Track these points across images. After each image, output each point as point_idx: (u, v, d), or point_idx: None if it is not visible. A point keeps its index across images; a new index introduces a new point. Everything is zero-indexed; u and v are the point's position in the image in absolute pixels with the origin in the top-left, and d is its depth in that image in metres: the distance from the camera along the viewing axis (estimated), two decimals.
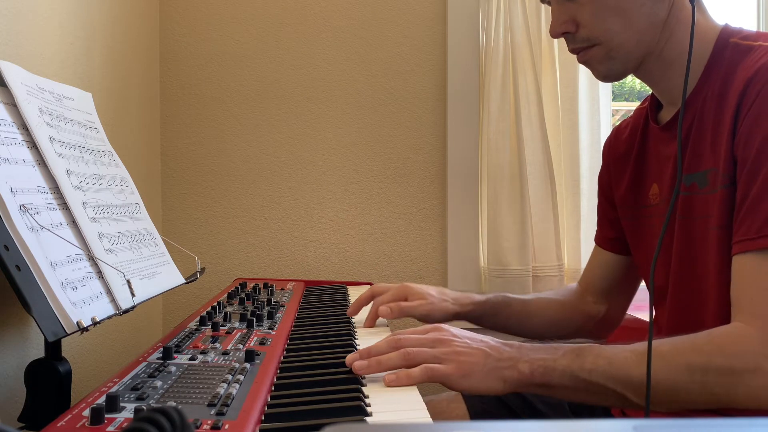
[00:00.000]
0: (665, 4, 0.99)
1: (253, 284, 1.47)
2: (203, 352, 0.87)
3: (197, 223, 1.82)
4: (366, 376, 0.84)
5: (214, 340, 0.94)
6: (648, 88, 1.10)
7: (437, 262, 1.86)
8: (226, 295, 1.33)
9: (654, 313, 0.95)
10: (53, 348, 0.83)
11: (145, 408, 0.65)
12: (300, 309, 1.28)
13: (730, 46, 0.98)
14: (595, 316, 1.27)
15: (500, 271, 1.85)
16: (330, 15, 1.84)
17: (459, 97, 1.84)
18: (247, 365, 0.81)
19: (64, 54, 1.19)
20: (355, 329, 1.12)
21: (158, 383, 0.74)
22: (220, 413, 0.65)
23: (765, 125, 0.87)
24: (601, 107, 1.91)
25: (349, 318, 1.19)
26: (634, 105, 1.22)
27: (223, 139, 1.82)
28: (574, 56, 1.06)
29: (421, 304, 1.16)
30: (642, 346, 0.86)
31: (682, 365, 0.83)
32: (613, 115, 1.97)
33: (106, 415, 0.63)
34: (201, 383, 0.74)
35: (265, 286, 1.46)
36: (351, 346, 0.97)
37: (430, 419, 0.72)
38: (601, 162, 1.28)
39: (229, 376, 0.76)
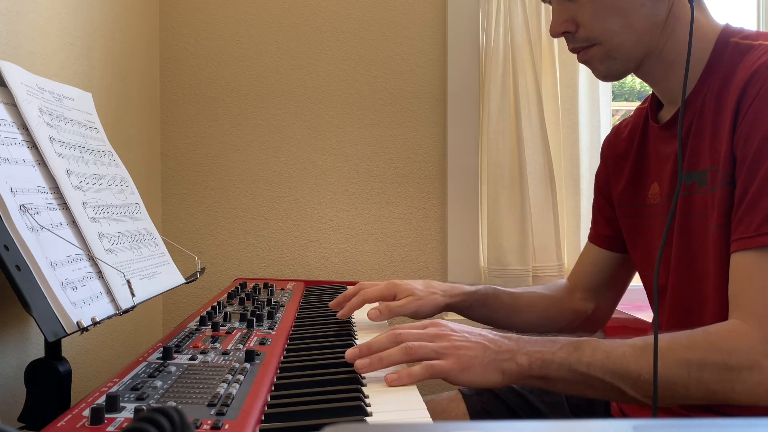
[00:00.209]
0: (665, 4, 0.99)
1: (253, 284, 1.47)
2: (203, 352, 0.87)
3: (197, 223, 1.82)
4: (366, 375, 0.84)
5: (214, 340, 0.94)
6: (648, 88, 1.10)
7: (437, 262, 1.86)
8: (226, 295, 1.33)
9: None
10: (53, 348, 0.83)
11: (145, 408, 0.65)
12: (300, 309, 1.28)
13: (731, 46, 0.98)
14: (583, 313, 1.28)
15: (500, 271, 1.85)
16: (330, 15, 1.84)
17: (459, 97, 1.84)
18: (247, 365, 0.81)
19: (64, 54, 1.19)
20: (355, 329, 1.12)
21: (158, 383, 0.74)
22: (220, 413, 0.65)
23: (764, 124, 0.87)
24: (601, 107, 1.91)
25: (349, 318, 1.19)
26: (634, 105, 1.22)
27: (223, 139, 1.82)
28: (574, 56, 1.06)
29: (410, 301, 1.15)
30: (640, 340, 0.86)
31: (679, 361, 0.83)
32: (613, 115, 1.97)
33: (106, 415, 0.63)
34: (201, 383, 0.74)
35: (265, 286, 1.46)
36: (351, 346, 0.97)
37: (430, 419, 0.72)
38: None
39: (229, 376, 0.76)
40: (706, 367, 0.83)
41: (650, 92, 1.12)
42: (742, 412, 0.89)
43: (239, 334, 0.99)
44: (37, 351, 1.00)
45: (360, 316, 1.20)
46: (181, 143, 1.81)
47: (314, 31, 1.83)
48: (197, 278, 1.16)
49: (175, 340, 0.94)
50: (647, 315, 1.59)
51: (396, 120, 1.85)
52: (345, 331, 1.09)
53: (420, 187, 1.86)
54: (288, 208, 1.84)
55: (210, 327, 1.02)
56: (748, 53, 0.95)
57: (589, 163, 1.90)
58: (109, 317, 0.83)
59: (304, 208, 1.84)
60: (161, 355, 0.84)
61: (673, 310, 1.03)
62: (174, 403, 0.68)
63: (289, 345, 0.99)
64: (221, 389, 0.71)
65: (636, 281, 1.25)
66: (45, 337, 0.72)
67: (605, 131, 1.89)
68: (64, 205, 0.86)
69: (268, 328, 1.03)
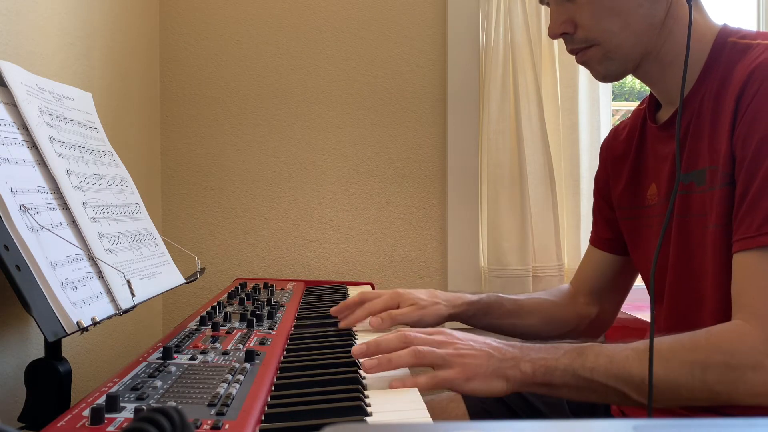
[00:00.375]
0: (663, 4, 0.99)
1: (253, 284, 1.47)
2: (203, 352, 0.87)
3: (197, 223, 1.82)
4: (367, 375, 0.84)
5: (214, 340, 0.94)
6: (648, 88, 1.10)
7: (437, 262, 1.86)
8: (226, 295, 1.33)
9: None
10: (53, 348, 0.83)
11: (145, 408, 0.65)
12: (300, 309, 1.28)
13: (729, 46, 0.98)
14: (587, 316, 1.27)
15: (500, 271, 1.85)
16: (330, 15, 1.84)
17: (459, 97, 1.84)
18: (247, 365, 0.81)
19: (64, 54, 1.19)
20: (355, 330, 1.12)
21: (158, 383, 0.74)
22: (220, 413, 0.65)
23: (763, 123, 0.87)
24: (601, 107, 1.91)
25: None
26: (634, 105, 1.22)
27: (223, 139, 1.82)
28: (574, 57, 1.06)
29: (412, 309, 1.14)
30: (643, 344, 0.86)
31: (682, 363, 0.84)
32: (613, 115, 1.97)
33: (106, 415, 0.63)
34: (201, 383, 0.74)
35: (265, 286, 1.46)
36: (351, 346, 0.97)
37: (430, 419, 0.72)
38: None
39: (229, 376, 0.76)
40: (709, 368, 0.83)
41: (649, 93, 1.12)
42: (744, 413, 0.89)
43: (239, 334, 0.99)
44: (37, 351, 1.00)
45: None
46: (181, 143, 1.81)
47: (314, 31, 1.83)
48: (197, 278, 1.16)
49: (175, 340, 0.94)
50: (648, 315, 1.59)
51: (396, 120, 1.85)
52: (345, 331, 1.09)
53: (420, 187, 1.86)
54: (288, 208, 1.84)
55: (210, 327, 1.02)
56: (747, 53, 0.95)
57: (589, 163, 1.90)
58: (109, 317, 0.83)
59: (304, 208, 1.84)
60: (161, 355, 0.84)
61: (672, 309, 1.04)
62: (174, 403, 0.68)
63: (289, 345, 0.99)
64: (221, 389, 0.71)
65: (638, 282, 1.25)
66: (45, 337, 0.72)
67: (605, 131, 1.89)
68: (64, 205, 0.86)
69: (268, 328, 1.03)
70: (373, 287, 1.61)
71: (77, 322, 0.75)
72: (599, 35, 1.00)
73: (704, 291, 0.96)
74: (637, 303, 1.60)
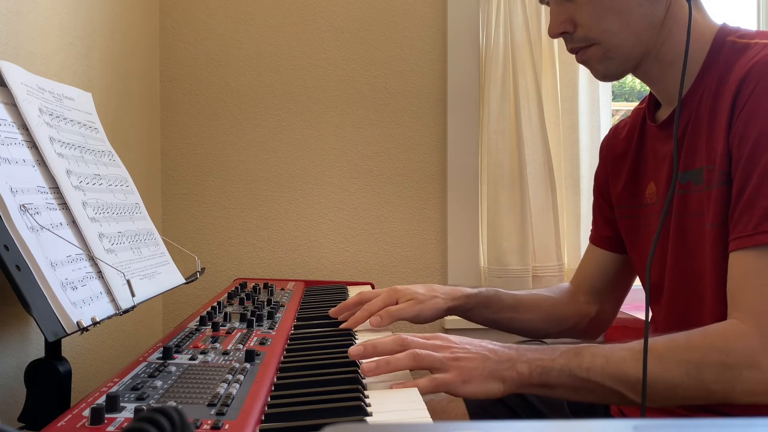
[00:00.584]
0: (663, 4, 0.99)
1: (253, 284, 1.47)
2: (203, 352, 0.87)
3: (197, 223, 1.82)
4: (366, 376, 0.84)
5: (214, 340, 0.94)
6: (647, 88, 1.10)
7: (437, 262, 1.86)
8: (226, 295, 1.33)
9: (651, 311, 0.95)
10: (53, 348, 0.83)
11: (145, 408, 0.65)
12: (300, 309, 1.28)
13: (727, 45, 0.98)
14: (587, 315, 1.27)
15: (500, 271, 1.85)
16: (330, 15, 1.84)
17: (459, 97, 1.84)
18: (247, 365, 0.81)
19: (64, 54, 1.19)
20: (355, 329, 1.12)
21: (158, 383, 0.74)
22: (220, 413, 0.65)
23: (760, 121, 0.87)
24: (601, 107, 1.91)
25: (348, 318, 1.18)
26: (633, 105, 1.22)
27: (223, 139, 1.82)
28: (574, 56, 1.06)
29: (411, 304, 1.14)
30: (638, 344, 0.86)
31: (678, 362, 0.84)
32: (613, 115, 1.97)
33: (106, 415, 0.63)
34: (201, 383, 0.74)
35: (265, 286, 1.46)
36: (351, 346, 0.97)
37: (430, 419, 0.72)
38: None
39: (229, 376, 0.76)
40: (705, 367, 0.83)
41: (649, 92, 1.12)
42: (742, 412, 0.89)
43: (239, 334, 0.99)
44: (37, 351, 1.00)
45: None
46: (181, 143, 1.81)
47: (314, 31, 1.84)
48: (197, 278, 1.16)
49: (175, 340, 0.94)
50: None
51: (396, 120, 1.85)
52: (345, 331, 1.09)
53: (420, 187, 1.86)
54: (288, 208, 1.84)
55: (210, 327, 1.02)
56: (745, 52, 0.95)
57: (589, 163, 1.90)
58: (109, 317, 0.83)
59: (304, 208, 1.84)
60: (161, 355, 0.84)
61: (670, 308, 1.04)
62: (174, 403, 0.68)
63: (289, 345, 0.99)
64: (221, 389, 0.71)
65: (638, 282, 1.25)
66: (45, 337, 0.72)
67: (605, 131, 1.88)
68: (64, 205, 0.86)
69: (268, 328, 1.03)
70: (373, 287, 1.61)
71: (77, 322, 0.75)
72: (599, 34, 1.00)
73: (703, 290, 0.96)
74: (637, 303, 1.60)
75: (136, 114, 1.60)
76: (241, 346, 0.91)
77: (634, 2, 0.98)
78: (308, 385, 0.80)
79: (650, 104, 1.12)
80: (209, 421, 0.62)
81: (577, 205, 1.90)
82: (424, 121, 1.86)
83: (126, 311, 0.87)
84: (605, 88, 1.93)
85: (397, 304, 1.15)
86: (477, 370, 0.85)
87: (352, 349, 0.88)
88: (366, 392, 0.78)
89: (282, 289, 1.47)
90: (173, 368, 0.79)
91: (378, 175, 1.85)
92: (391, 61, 1.85)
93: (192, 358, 0.84)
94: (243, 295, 1.29)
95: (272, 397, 0.75)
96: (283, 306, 1.24)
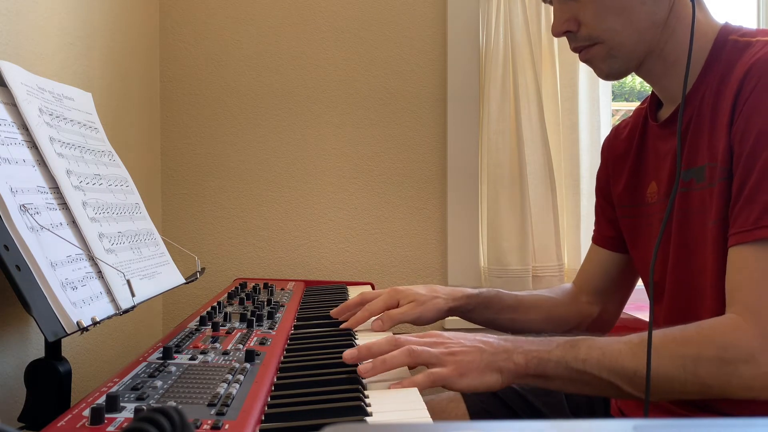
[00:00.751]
0: (666, 3, 0.99)
1: (253, 284, 1.47)
2: (203, 352, 0.87)
3: (197, 223, 1.82)
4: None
5: (214, 340, 0.94)
6: (649, 88, 1.10)
7: (437, 262, 1.86)
8: (226, 295, 1.33)
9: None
10: (53, 348, 0.83)
11: (145, 408, 0.65)
12: (300, 309, 1.28)
13: (729, 43, 0.98)
14: (589, 316, 1.27)
15: (500, 271, 1.85)
16: (330, 15, 1.84)
17: (459, 97, 1.84)
18: (247, 365, 0.81)
19: (64, 54, 1.19)
20: (356, 329, 1.12)
21: (158, 383, 0.74)
22: (220, 413, 0.65)
23: (761, 118, 0.88)
24: (601, 107, 1.91)
25: (348, 318, 1.18)
26: (634, 105, 1.22)
27: (223, 139, 1.82)
28: (575, 56, 1.06)
29: (411, 307, 1.14)
30: (635, 337, 0.87)
31: (673, 356, 0.84)
32: (613, 115, 1.97)
33: (106, 415, 0.63)
34: (201, 383, 0.74)
35: (265, 286, 1.46)
36: (351, 346, 0.97)
37: (430, 419, 0.72)
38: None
39: (229, 376, 0.76)
40: (701, 361, 0.83)
41: (650, 92, 1.12)
42: (738, 408, 0.89)
43: (239, 334, 0.99)
44: (37, 351, 1.00)
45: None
46: (181, 143, 1.81)
47: (314, 31, 1.83)
48: (197, 278, 1.16)
49: (175, 340, 0.94)
50: (648, 315, 1.59)
51: (396, 120, 1.85)
52: (345, 331, 1.09)
53: (420, 187, 1.86)
54: (288, 208, 1.84)
55: (210, 327, 1.02)
56: (746, 50, 0.95)
57: (589, 163, 1.90)
58: (109, 317, 0.83)
59: (304, 208, 1.84)
60: (161, 355, 0.84)
61: (672, 306, 1.03)
62: (174, 403, 0.68)
63: (289, 345, 0.99)
64: (221, 389, 0.71)
65: (639, 282, 1.25)
66: (45, 337, 0.72)
67: (605, 131, 1.89)
68: (64, 205, 0.86)
69: (268, 328, 1.03)
70: (373, 287, 1.61)
71: (77, 322, 0.75)
72: (602, 33, 1.00)
73: (705, 288, 0.96)
74: (638, 303, 1.60)
75: (136, 114, 1.60)
76: (241, 346, 0.91)
77: (637, 1, 0.98)
78: (308, 385, 0.80)
79: (652, 104, 1.12)
80: (209, 421, 0.62)
81: (577, 205, 1.90)
82: (424, 121, 1.86)
83: (126, 311, 0.87)
84: (605, 88, 1.93)
85: (398, 305, 1.15)
86: (473, 363, 0.85)
87: (346, 354, 0.87)
88: (366, 392, 0.78)
89: (282, 289, 1.47)
90: (173, 368, 0.79)
91: (378, 175, 1.85)
92: (391, 61, 1.85)
93: (192, 358, 0.84)
94: (243, 295, 1.29)
95: (272, 397, 0.75)
96: (283, 306, 1.24)
